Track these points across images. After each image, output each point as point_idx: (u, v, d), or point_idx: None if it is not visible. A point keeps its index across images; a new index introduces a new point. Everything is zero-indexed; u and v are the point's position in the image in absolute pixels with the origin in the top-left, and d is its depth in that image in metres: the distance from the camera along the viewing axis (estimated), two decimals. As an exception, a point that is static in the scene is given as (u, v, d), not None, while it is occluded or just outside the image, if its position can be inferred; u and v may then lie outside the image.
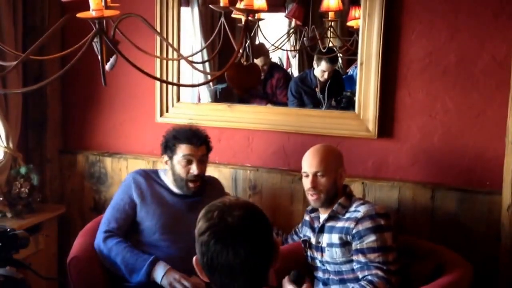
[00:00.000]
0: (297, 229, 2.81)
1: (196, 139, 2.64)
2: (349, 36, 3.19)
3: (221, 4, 1.76)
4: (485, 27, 2.67)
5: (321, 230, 2.51)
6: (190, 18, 3.27)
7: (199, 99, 3.36)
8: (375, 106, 2.83)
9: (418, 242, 2.71)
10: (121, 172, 3.33)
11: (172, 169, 2.67)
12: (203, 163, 2.67)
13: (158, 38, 3.05)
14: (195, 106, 3.22)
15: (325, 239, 2.49)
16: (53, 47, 3.12)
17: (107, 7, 1.43)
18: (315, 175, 2.47)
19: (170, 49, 3.09)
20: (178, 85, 3.07)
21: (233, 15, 2.32)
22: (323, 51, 3.28)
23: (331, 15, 3.09)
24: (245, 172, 3.11)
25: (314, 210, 2.61)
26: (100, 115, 3.39)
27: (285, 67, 3.55)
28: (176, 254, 2.62)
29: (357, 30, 2.92)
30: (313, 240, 2.56)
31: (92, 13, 1.27)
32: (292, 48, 3.47)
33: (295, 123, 3.02)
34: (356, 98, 2.88)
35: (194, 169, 2.62)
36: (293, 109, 3.15)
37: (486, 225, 2.73)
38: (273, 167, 3.08)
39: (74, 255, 2.63)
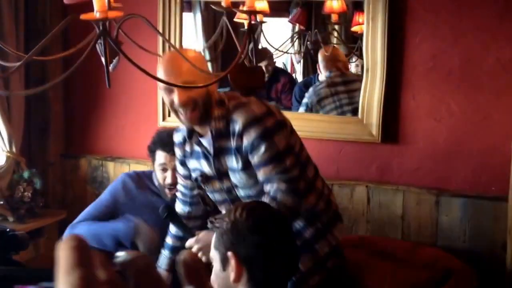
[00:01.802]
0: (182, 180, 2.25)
1: (169, 147, 2.34)
2: (354, 42, 3.17)
3: (223, 5, 1.75)
4: (489, 29, 2.64)
5: (217, 154, 2.02)
6: (193, 23, 3.27)
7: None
8: (378, 110, 2.80)
9: (423, 248, 2.68)
10: (123, 177, 3.31)
11: (155, 174, 2.55)
12: None
13: (160, 42, 3.04)
14: (197, 110, 3.20)
15: (223, 163, 2.03)
16: (55, 49, 3.11)
17: (110, 8, 1.42)
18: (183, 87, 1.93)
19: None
20: (180, 87, 3.04)
21: (235, 19, 2.22)
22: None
23: (334, 17, 3.06)
24: (247, 177, 3.08)
25: (189, 136, 2.09)
26: (103, 119, 3.38)
27: (289, 72, 3.54)
28: None
29: (362, 35, 2.90)
30: (209, 171, 2.08)
31: (96, 15, 1.25)
32: (296, 52, 3.45)
33: (298, 127, 2.94)
34: (360, 103, 2.86)
35: (168, 178, 2.45)
36: (295, 113, 3.13)
37: (492, 231, 2.69)
38: (276, 171, 3.05)
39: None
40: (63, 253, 0.55)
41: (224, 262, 1.47)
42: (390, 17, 2.73)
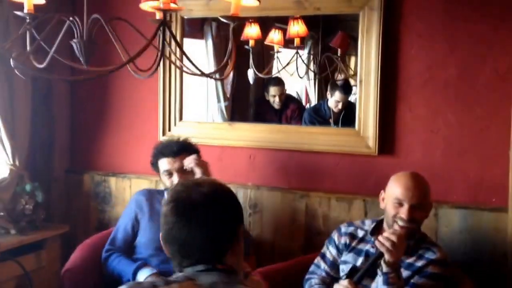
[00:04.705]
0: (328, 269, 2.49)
1: (168, 150, 2.63)
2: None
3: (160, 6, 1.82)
4: (486, 40, 2.62)
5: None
6: (204, 50, 3.31)
7: (213, 119, 3.38)
8: (374, 123, 2.78)
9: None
10: (124, 192, 3.34)
11: (163, 183, 2.74)
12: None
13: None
14: (197, 125, 3.23)
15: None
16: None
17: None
18: (413, 207, 2.26)
19: (173, 67, 3.14)
20: (183, 70, 3.06)
21: (266, 43, 2.85)
22: (336, 81, 3.27)
23: (296, 41, 3.00)
24: (245, 191, 3.08)
25: (373, 233, 2.41)
26: (105, 135, 3.44)
27: (304, 101, 3.53)
28: (170, 269, 2.59)
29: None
30: (360, 266, 2.32)
31: (160, 5, 1.43)
32: (311, 78, 3.41)
33: (296, 141, 2.99)
34: (356, 115, 2.84)
35: (175, 181, 2.62)
36: (293, 127, 3.13)
37: (493, 243, 2.61)
38: (274, 185, 3.04)
39: (68, 267, 2.64)
40: None
41: None
42: (385, 29, 2.73)
